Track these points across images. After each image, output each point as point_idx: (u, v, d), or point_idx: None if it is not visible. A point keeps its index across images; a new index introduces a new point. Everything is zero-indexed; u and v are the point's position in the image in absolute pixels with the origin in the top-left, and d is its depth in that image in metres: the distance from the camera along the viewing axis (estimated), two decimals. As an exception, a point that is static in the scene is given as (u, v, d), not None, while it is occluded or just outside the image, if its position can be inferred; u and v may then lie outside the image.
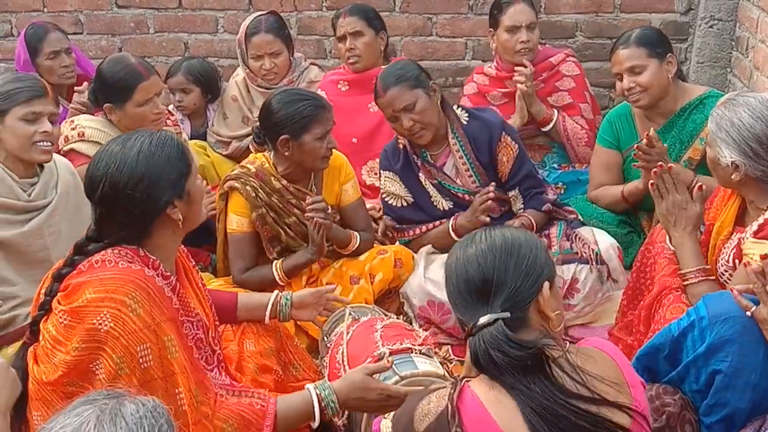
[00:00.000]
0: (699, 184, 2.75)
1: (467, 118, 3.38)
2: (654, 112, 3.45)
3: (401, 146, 3.42)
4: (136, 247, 2.09)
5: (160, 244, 2.13)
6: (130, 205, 2.05)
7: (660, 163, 2.77)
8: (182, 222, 2.13)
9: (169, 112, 3.77)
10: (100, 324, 1.95)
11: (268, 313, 2.70)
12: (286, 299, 2.74)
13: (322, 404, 2.23)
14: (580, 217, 3.53)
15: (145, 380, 1.99)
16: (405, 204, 3.44)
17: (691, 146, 3.38)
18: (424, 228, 3.42)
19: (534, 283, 1.76)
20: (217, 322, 2.41)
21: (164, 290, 2.08)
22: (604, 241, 3.29)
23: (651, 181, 2.75)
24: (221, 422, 2.10)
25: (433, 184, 3.38)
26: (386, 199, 3.49)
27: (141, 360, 1.98)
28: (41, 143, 2.81)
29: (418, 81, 3.25)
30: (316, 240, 3.15)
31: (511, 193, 3.40)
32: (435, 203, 3.40)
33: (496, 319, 1.70)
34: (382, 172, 3.49)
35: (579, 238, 3.31)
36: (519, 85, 3.93)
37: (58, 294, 2.05)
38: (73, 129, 3.31)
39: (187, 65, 4.28)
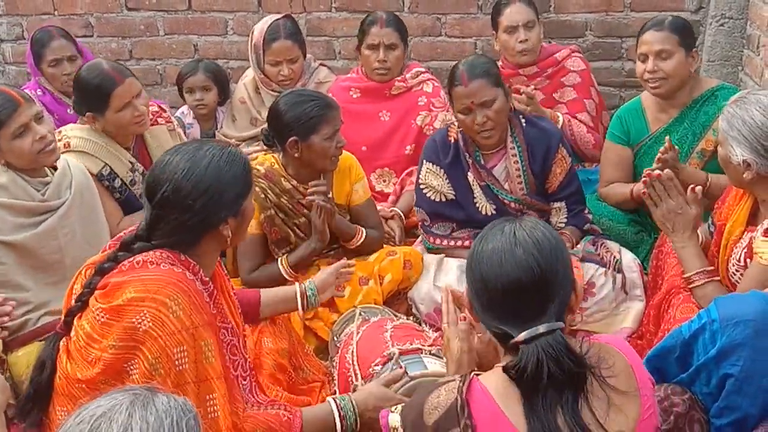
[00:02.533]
0: (693, 185, 2.74)
1: (524, 124, 3.33)
2: (667, 103, 3.44)
3: (452, 140, 3.36)
4: (178, 252, 2.09)
5: (202, 253, 2.14)
6: (187, 214, 2.05)
7: (648, 171, 2.75)
8: (230, 239, 2.14)
9: (161, 108, 3.73)
10: (140, 323, 1.95)
11: (300, 307, 2.75)
12: (312, 288, 2.77)
13: (342, 413, 2.29)
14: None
15: (178, 383, 1.99)
16: (444, 199, 3.37)
17: (704, 137, 3.36)
18: (453, 243, 3.37)
19: (571, 283, 1.70)
20: (245, 331, 2.42)
21: (203, 295, 2.09)
22: (627, 255, 3.27)
23: (642, 191, 2.74)
24: (250, 431, 2.12)
25: (480, 186, 3.32)
26: (424, 191, 3.40)
27: (177, 362, 1.98)
28: (44, 149, 2.81)
29: (498, 80, 3.21)
30: (318, 226, 3.13)
31: (555, 205, 3.36)
32: (478, 205, 3.33)
33: (555, 329, 1.61)
34: (425, 162, 3.39)
35: (604, 245, 3.29)
36: (519, 106, 3.70)
37: (96, 292, 2.05)
38: (59, 141, 3.24)
39: (204, 64, 4.31)
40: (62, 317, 2.16)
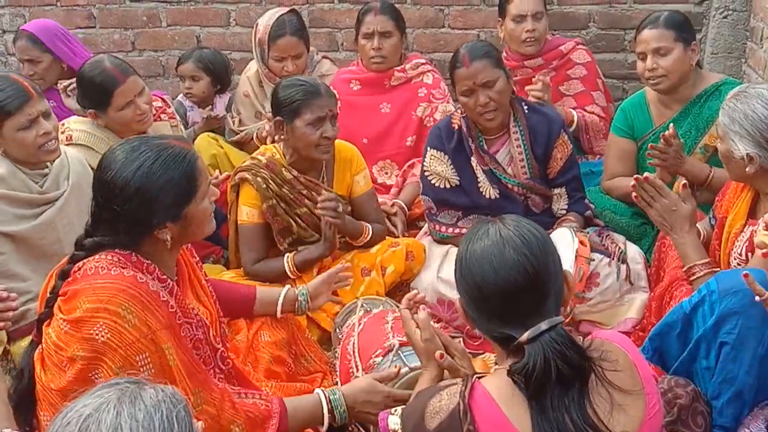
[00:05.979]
0: (684, 182, 2.73)
1: (527, 110, 3.35)
2: (671, 98, 3.43)
3: (456, 127, 3.37)
4: (129, 252, 2.04)
5: (152, 253, 2.08)
6: (118, 216, 1.99)
7: (636, 176, 2.75)
8: (172, 242, 2.06)
9: (165, 103, 3.73)
10: (97, 335, 1.92)
11: (279, 308, 2.73)
12: (303, 293, 2.76)
13: (331, 406, 2.27)
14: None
15: None
16: (449, 186, 3.39)
17: (707, 133, 3.35)
18: (458, 231, 3.35)
19: (562, 275, 1.71)
20: (222, 317, 2.38)
21: (159, 295, 2.03)
22: (633, 247, 3.27)
23: (634, 194, 2.74)
24: (228, 423, 2.09)
25: (484, 171, 3.33)
26: (429, 179, 3.41)
27: (142, 368, 1.95)
28: (45, 145, 2.81)
29: (499, 62, 3.25)
30: (328, 236, 3.16)
31: (556, 191, 3.38)
32: (482, 190, 3.35)
33: (556, 324, 1.61)
34: (429, 149, 3.41)
35: (609, 236, 3.29)
36: (535, 93, 3.74)
37: (59, 299, 2.03)
38: (62, 133, 3.26)
39: (198, 53, 4.33)
40: (36, 323, 2.13)
